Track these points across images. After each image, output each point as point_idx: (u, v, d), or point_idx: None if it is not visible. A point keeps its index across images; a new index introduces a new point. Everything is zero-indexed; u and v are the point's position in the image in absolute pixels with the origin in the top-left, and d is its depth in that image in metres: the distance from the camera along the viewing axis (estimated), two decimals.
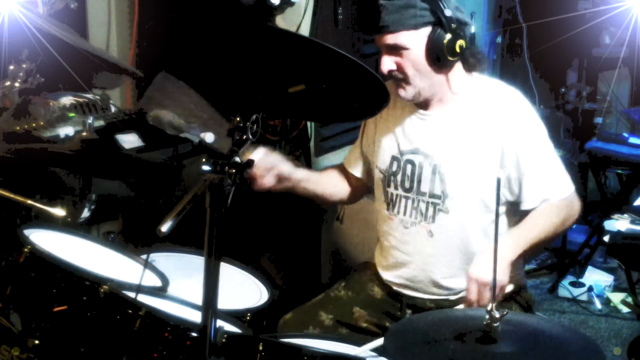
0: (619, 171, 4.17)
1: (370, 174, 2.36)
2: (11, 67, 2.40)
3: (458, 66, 2.14)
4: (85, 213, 2.33)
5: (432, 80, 2.11)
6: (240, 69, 1.59)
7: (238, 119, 1.50)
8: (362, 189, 2.45)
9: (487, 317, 1.44)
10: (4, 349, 1.69)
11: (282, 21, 3.10)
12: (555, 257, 4.23)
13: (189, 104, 2.36)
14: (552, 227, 2.11)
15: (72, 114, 2.53)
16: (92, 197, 2.35)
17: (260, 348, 1.56)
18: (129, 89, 3.17)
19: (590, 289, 3.87)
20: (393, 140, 2.24)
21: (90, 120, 2.50)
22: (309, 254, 3.30)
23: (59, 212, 1.98)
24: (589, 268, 4.03)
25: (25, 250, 1.78)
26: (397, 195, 2.22)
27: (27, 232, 1.89)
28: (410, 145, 2.20)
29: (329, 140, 3.33)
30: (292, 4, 3.06)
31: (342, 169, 2.46)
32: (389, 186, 2.24)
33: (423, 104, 2.19)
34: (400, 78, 2.11)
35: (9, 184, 2.05)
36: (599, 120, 4.64)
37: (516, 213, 2.18)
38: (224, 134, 1.52)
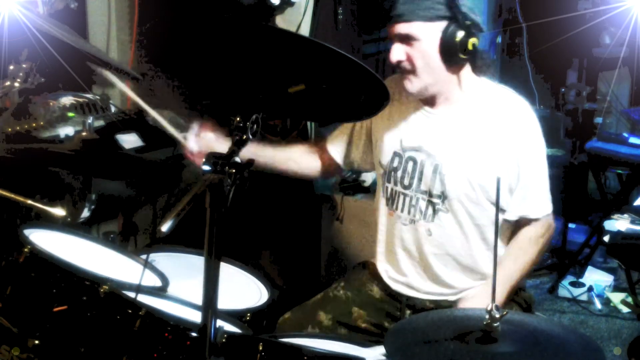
0: (619, 171, 4.16)
1: (350, 158, 2.36)
2: (11, 67, 2.40)
3: (467, 67, 2.14)
4: (85, 213, 2.33)
5: (439, 76, 2.10)
6: (240, 69, 1.59)
7: (238, 119, 1.50)
8: (334, 170, 2.44)
9: (487, 317, 1.44)
10: (4, 349, 1.69)
11: (282, 21, 3.10)
12: (555, 257, 4.23)
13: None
14: (532, 261, 2.20)
15: (72, 114, 2.53)
16: (92, 197, 2.35)
17: (260, 348, 1.56)
18: (129, 89, 3.16)
19: (590, 289, 3.87)
20: (396, 135, 2.23)
21: (90, 120, 2.50)
22: (309, 253, 3.30)
23: (59, 212, 1.98)
24: (589, 268, 4.03)
25: (25, 250, 1.78)
26: (396, 191, 2.22)
27: (27, 232, 1.89)
28: (414, 142, 2.20)
29: None
30: (292, 4, 3.06)
31: (314, 147, 2.44)
32: (389, 182, 2.24)
33: (429, 101, 2.18)
34: (408, 69, 2.09)
35: (9, 184, 2.05)
36: (599, 120, 4.64)
37: (509, 223, 2.20)
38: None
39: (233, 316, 1.83)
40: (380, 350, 1.79)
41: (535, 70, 4.91)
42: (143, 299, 1.72)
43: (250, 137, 1.50)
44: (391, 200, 2.24)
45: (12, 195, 1.98)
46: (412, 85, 2.11)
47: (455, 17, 2.03)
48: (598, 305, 3.79)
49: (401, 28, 2.06)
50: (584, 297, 3.86)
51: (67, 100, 2.58)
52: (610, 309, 3.78)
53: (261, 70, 1.56)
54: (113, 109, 2.70)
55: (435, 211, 2.16)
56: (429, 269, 2.21)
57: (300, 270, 3.28)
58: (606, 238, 3.38)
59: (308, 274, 3.31)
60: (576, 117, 4.49)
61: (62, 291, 1.72)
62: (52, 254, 1.81)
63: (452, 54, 2.05)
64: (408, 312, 2.25)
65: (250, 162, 1.47)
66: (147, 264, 1.91)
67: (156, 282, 1.94)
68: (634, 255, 3.22)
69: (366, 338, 2.19)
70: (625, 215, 3.19)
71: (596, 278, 3.96)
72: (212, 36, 1.60)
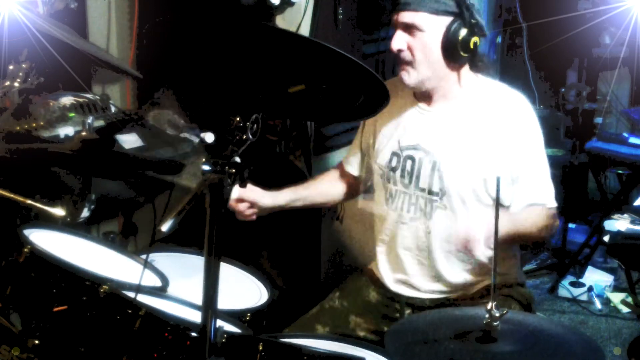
0: (619, 171, 4.17)
1: (369, 170, 2.37)
2: (11, 67, 2.40)
3: (466, 65, 2.15)
4: (85, 213, 2.33)
5: (437, 70, 2.10)
6: (240, 69, 1.59)
7: (238, 119, 1.50)
8: (358, 187, 2.47)
9: (487, 316, 1.44)
10: (4, 349, 1.69)
11: (282, 21, 3.10)
12: (555, 257, 4.23)
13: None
14: (529, 228, 2.10)
15: (72, 114, 2.53)
16: (92, 197, 2.35)
17: (260, 348, 1.56)
18: (129, 89, 3.16)
19: (590, 289, 3.87)
20: (394, 135, 2.24)
21: (90, 120, 2.50)
22: (309, 253, 3.30)
23: (59, 212, 1.98)
24: (589, 268, 4.04)
25: (25, 250, 1.78)
26: (396, 190, 2.22)
27: (27, 232, 1.89)
28: (411, 141, 2.20)
29: (329, 140, 3.32)
30: (292, 4, 3.06)
31: (336, 172, 2.48)
32: (388, 182, 2.24)
33: (426, 98, 2.18)
34: (407, 60, 2.10)
35: (9, 184, 2.05)
36: (599, 120, 4.64)
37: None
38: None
39: (233, 316, 1.83)
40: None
41: (535, 70, 4.91)
42: (143, 299, 1.72)
43: (251, 137, 1.50)
44: (391, 199, 2.24)
45: (12, 195, 1.97)
46: (410, 77, 2.11)
47: (462, 14, 2.04)
48: (598, 305, 3.79)
49: (406, 16, 2.07)
50: (584, 297, 3.87)
51: (67, 100, 2.57)
52: (610, 309, 3.78)
53: (261, 70, 1.56)
54: (113, 109, 2.69)
55: (433, 208, 2.16)
56: (430, 267, 2.21)
57: (301, 270, 3.28)
58: (606, 238, 3.37)
59: (308, 274, 3.30)
60: (576, 117, 4.49)
61: (62, 291, 1.72)
62: (52, 254, 1.81)
63: (453, 51, 2.06)
64: (407, 311, 2.24)
65: (250, 162, 1.47)
66: (147, 264, 1.91)
67: (156, 282, 1.94)
68: (634, 255, 3.21)
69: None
70: (625, 215, 3.19)
71: (596, 278, 3.96)
72: (212, 36, 1.60)
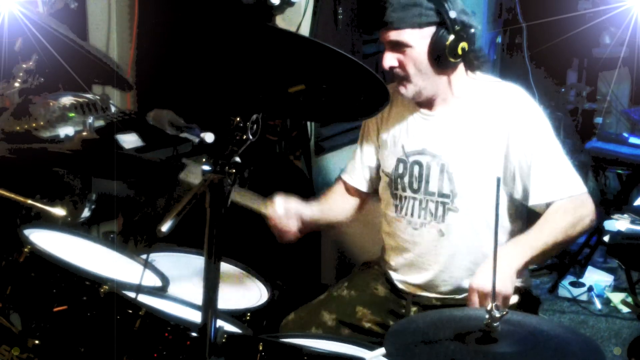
0: (619, 171, 4.17)
1: (374, 183, 2.36)
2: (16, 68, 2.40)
3: (460, 68, 2.14)
4: (85, 213, 2.33)
5: (433, 80, 2.11)
6: (240, 69, 1.59)
7: (238, 119, 1.50)
8: (367, 200, 2.43)
9: (487, 317, 1.44)
10: (4, 349, 1.69)
11: (282, 21, 3.10)
12: (555, 257, 4.23)
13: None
14: (561, 231, 2.05)
15: (72, 114, 2.53)
16: (92, 197, 2.35)
17: (260, 348, 1.56)
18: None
19: (590, 289, 3.87)
20: (397, 142, 2.23)
21: (90, 120, 2.50)
22: (309, 254, 3.30)
23: (59, 212, 1.98)
24: (589, 268, 4.04)
25: (25, 250, 1.78)
26: (405, 197, 2.21)
27: (27, 232, 1.89)
28: (416, 146, 2.19)
29: (329, 140, 3.33)
30: (292, 4, 3.06)
31: (343, 189, 2.43)
32: (396, 189, 2.23)
33: (426, 104, 2.18)
34: (401, 76, 2.11)
35: (9, 184, 2.05)
36: (599, 120, 4.64)
37: (521, 215, 2.18)
38: None
39: (233, 316, 1.83)
40: (381, 351, 1.79)
41: (535, 70, 4.91)
42: (143, 299, 1.72)
43: (251, 137, 1.50)
44: (400, 206, 2.23)
45: (12, 195, 1.98)
46: (407, 90, 2.12)
47: (445, 22, 2.04)
48: (598, 305, 3.79)
49: (392, 35, 2.07)
50: (584, 297, 3.87)
51: (67, 100, 2.57)
52: (610, 309, 3.78)
53: (261, 70, 1.56)
54: (113, 109, 2.70)
55: (445, 211, 2.16)
56: (442, 271, 2.20)
57: (301, 270, 3.28)
58: (606, 238, 3.38)
59: (308, 273, 3.30)
60: (576, 117, 4.49)
61: (62, 291, 1.72)
62: (52, 254, 1.81)
63: (442, 59, 2.06)
64: (414, 309, 2.24)
65: (250, 162, 1.47)
66: (147, 264, 1.91)
67: (156, 282, 1.94)
68: (634, 255, 3.22)
69: (369, 338, 2.19)
70: (625, 215, 3.19)
71: (596, 278, 3.96)
72: (212, 36, 1.60)
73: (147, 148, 2.57)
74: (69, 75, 2.36)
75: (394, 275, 2.29)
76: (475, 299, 1.95)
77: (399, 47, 2.08)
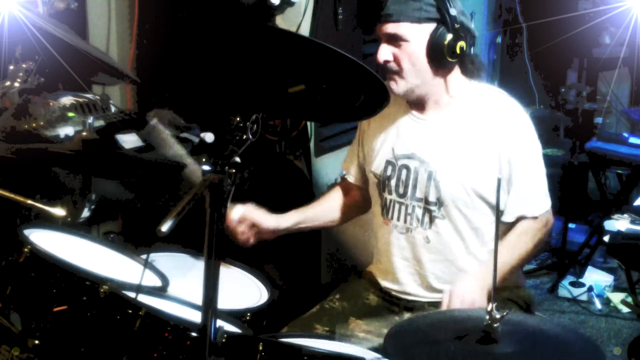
0: (619, 171, 4.17)
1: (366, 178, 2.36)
2: (11, 67, 2.40)
3: (456, 70, 2.13)
4: (85, 213, 2.33)
5: (426, 78, 2.09)
6: (240, 69, 1.59)
7: (238, 119, 1.50)
8: (366, 195, 2.42)
9: (487, 317, 1.44)
10: (4, 349, 1.69)
11: (282, 21, 3.10)
12: (555, 257, 4.24)
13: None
14: (527, 252, 2.14)
15: (72, 114, 2.52)
16: (92, 197, 2.35)
17: (260, 348, 1.56)
18: (129, 89, 3.16)
19: (590, 289, 3.87)
20: (388, 143, 2.22)
21: (90, 120, 2.50)
22: (309, 254, 3.29)
23: (59, 212, 1.98)
24: (589, 268, 4.04)
25: (25, 250, 1.78)
26: (391, 200, 2.21)
27: (27, 232, 1.89)
28: (406, 150, 2.19)
29: (329, 140, 3.33)
30: (292, 4, 3.06)
31: (343, 188, 2.42)
32: (383, 191, 2.23)
33: (419, 106, 2.17)
34: (394, 70, 2.09)
35: (9, 184, 2.05)
36: (599, 120, 4.64)
37: (505, 223, 2.18)
38: None
39: (233, 316, 1.83)
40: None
41: (535, 70, 4.91)
42: (143, 299, 1.72)
43: (251, 137, 1.49)
44: (386, 209, 2.22)
45: (12, 195, 1.97)
46: (398, 86, 2.10)
47: (445, 19, 2.03)
48: (598, 305, 3.80)
49: (389, 28, 2.06)
50: (584, 297, 3.87)
51: (67, 100, 2.57)
52: (610, 309, 3.78)
53: (261, 70, 1.56)
54: (113, 109, 2.69)
55: (432, 218, 2.15)
56: (427, 277, 2.20)
57: (301, 270, 3.28)
58: (606, 238, 3.37)
59: (308, 274, 3.30)
60: (576, 117, 4.49)
61: (62, 291, 1.72)
62: (52, 254, 1.81)
63: (440, 57, 2.05)
64: (407, 315, 2.24)
65: (250, 162, 1.47)
66: (147, 264, 1.91)
67: (156, 282, 1.94)
68: (634, 255, 3.21)
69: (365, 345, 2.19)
70: (625, 215, 3.18)
71: (596, 278, 3.96)
72: (212, 36, 1.60)
73: (147, 148, 2.56)
74: (69, 75, 2.36)
75: (383, 282, 2.29)
76: (449, 304, 1.99)
77: (395, 40, 2.07)
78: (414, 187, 2.16)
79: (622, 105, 4.92)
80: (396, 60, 2.08)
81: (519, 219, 2.14)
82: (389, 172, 2.21)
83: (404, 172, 2.17)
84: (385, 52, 2.08)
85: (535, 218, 2.14)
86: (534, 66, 4.90)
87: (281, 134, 3.13)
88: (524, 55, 4.92)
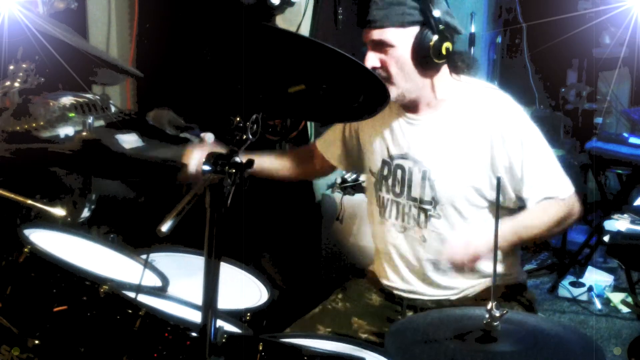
0: (619, 171, 4.17)
1: (345, 162, 2.40)
2: (11, 67, 2.40)
3: (444, 70, 2.12)
4: (85, 213, 2.33)
5: (416, 82, 2.09)
6: (240, 69, 1.59)
7: (238, 119, 1.50)
8: (328, 169, 2.49)
9: (487, 316, 1.44)
10: (4, 349, 1.69)
11: (282, 21, 3.10)
12: (555, 257, 4.23)
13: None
14: (547, 228, 2.10)
15: (72, 114, 2.53)
16: (92, 197, 2.35)
17: (260, 348, 1.56)
18: (129, 89, 3.17)
19: (590, 289, 3.87)
20: (383, 143, 2.23)
21: (90, 120, 2.50)
22: (309, 253, 3.30)
23: (59, 212, 1.98)
24: (589, 268, 4.03)
25: (25, 250, 1.78)
26: (388, 199, 2.21)
27: (27, 232, 1.89)
28: (400, 150, 2.19)
29: None
30: (292, 4, 3.06)
31: (309, 152, 2.47)
32: (380, 190, 2.23)
33: (411, 108, 2.17)
34: (383, 77, 2.07)
35: (9, 184, 2.05)
36: (599, 120, 4.65)
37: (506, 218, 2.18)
38: None
39: (233, 316, 1.83)
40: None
41: (535, 70, 4.91)
42: (143, 299, 1.72)
43: (251, 137, 1.50)
44: (383, 208, 2.23)
45: (12, 195, 1.97)
46: (390, 92, 2.10)
47: (429, 22, 2.02)
48: (598, 305, 3.79)
49: (375, 34, 2.06)
50: (584, 297, 3.87)
51: (67, 100, 2.57)
52: (610, 309, 3.78)
53: (261, 70, 1.56)
54: (113, 109, 2.70)
55: (427, 217, 2.15)
56: (426, 275, 2.20)
57: (301, 270, 3.28)
58: (606, 238, 3.37)
59: (308, 273, 3.31)
60: (576, 117, 4.50)
61: (62, 291, 1.71)
62: (52, 254, 1.81)
63: (426, 59, 2.04)
64: (409, 313, 2.24)
65: (250, 162, 1.47)
66: (147, 264, 1.91)
67: (156, 282, 1.94)
68: (634, 255, 3.22)
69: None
70: (625, 215, 3.19)
71: (596, 278, 3.96)
72: (212, 36, 1.60)
73: (147, 148, 2.56)
74: (69, 75, 2.36)
75: (385, 281, 2.29)
76: (454, 252, 2.01)
77: (381, 46, 2.06)
78: (409, 186, 2.16)
79: (622, 105, 4.92)
80: (384, 66, 2.07)
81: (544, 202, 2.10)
82: (385, 172, 2.21)
83: (399, 172, 2.18)
84: (372, 59, 2.07)
85: (559, 199, 2.10)
86: (534, 66, 4.90)
87: (281, 134, 3.14)
88: (524, 55, 4.92)
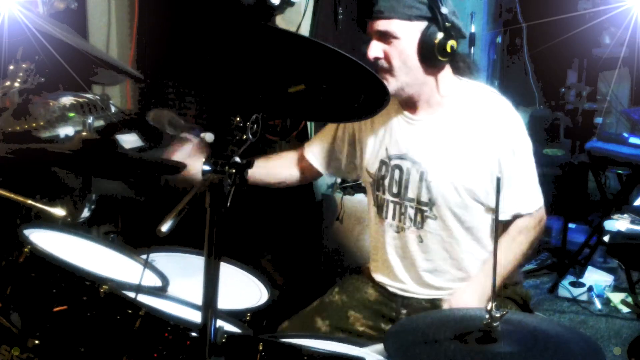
0: (619, 171, 4.17)
1: (334, 168, 2.38)
2: (11, 67, 2.40)
3: (447, 69, 2.13)
4: (85, 213, 2.32)
5: (417, 77, 2.09)
6: (240, 69, 1.59)
7: (238, 119, 1.50)
8: (314, 176, 2.47)
9: (487, 316, 1.44)
10: (4, 349, 1.69)
11: (282, 21, 3.10)
12: (555, 257, 4.23)
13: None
14: (523, 252, 2.16)
15: (72, 114, 2.53)
16: (92, 197, 2.35)
17: (260, 348, 1.56)
18: (129, 89, 3.17)
19: (590, 289, 3.87)
20: (381, 143, 2.23)
21: (90, 120, 2.50)
22: (309, 253, 3.30)
23: (59, 212, 1.98)
24: (589, 268, 4.03)
25: (25, 250, 1.78)
26: (385, 199, 2.22)
27: (27, 232, 1.89)
28: (398, 150, 2.19)
29: None
30: (292, 4, 3.06)
31: (294, 157, 2.43)
32: (378, 190, 2.23)
33: (410, 106, 2.17)
34: (385, 68, 2.08)
35: (9, 184, 2.05)
36: (599, 120, 4.64)
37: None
38: None
39: (233, 316, 1.83)
40: (376, 347, 1.79)
41: (535, 70, 4.91)
42: (143, 299, 1.72)
43: (250, 137, 1.49)
44: (381, 208, 2.23)
45: (12, 195, 1.97)
46: (389, 85, 2.08)
47: (436, 18, 2.02)
48: (598, 305, 3.79)
49: (380, 25, 2.06)
50: (584, 297, 3.86)
51: (67, 100, 2.57)
52: (610, 309, 3.78)
53: (261, 70, 1.56)
54: (113, 109, 2.70)
55: (424, 218, 2.16)
56: (422, 275, 2.21)
57: (301, 270, 3.28)
58: (606, 238, 3.38)
59: (308, 273, 3.31)
60: (576, 117, 4.49)
61: (62, 291, 1.72)
62: (52, 254, 1.81)
63: (430, 55, 2.04)
64: (404, 311, 2.24)
65: (250, 162, 1.47)
66: (147, 264, 1.91)
67: (156, 282, 1.94)
68: (634, 255, 3.22)
69: (365, 341, 2.19)
70: (625, 215, 3.19)
71: (596, 278, 3.96)
72: (213, 36, 1.60)
73: (147, 148, 2.57)
74: (69, 75, 2.36)
75: (380, 278, 2.29)
76: None
77: (386, 37, 2.06)
78: (406, 187, 2.17)
79: (622, 105, 4.92)
80: (387, 57, 2.07)
81: (515, 217, 2.15)
82: (383, 172, 2.21)
83: (397, 172, 2.18)
84: (375, 49, 2.07)
85: (530, 215, 2.15)
86: (534, 66, 4.90)
87: (281, 134, 3.14)
88: (524, 55, 4.92)
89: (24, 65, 2.39)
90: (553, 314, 3.75)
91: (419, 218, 2.16)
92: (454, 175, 2.11)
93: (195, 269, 2.10)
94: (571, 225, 4.26)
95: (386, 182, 2.20)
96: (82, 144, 2.39)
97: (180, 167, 2.07)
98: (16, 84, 2.41)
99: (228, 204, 1.43)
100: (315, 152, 2.39)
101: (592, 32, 4.40)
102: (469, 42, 4.09)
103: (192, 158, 2.11)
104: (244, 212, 2.32)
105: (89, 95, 2.65)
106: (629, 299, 3.76)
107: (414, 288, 2.23)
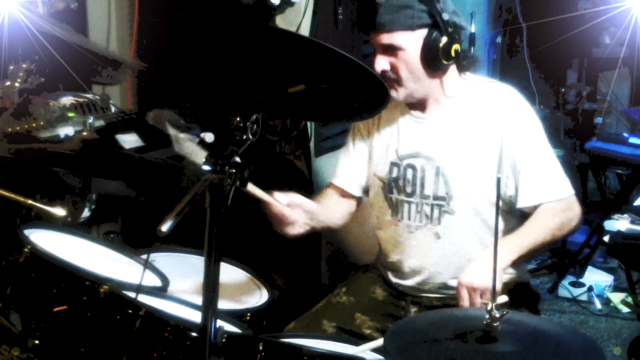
0: (619, 171, 4.17)
1: (365, 186, 2.33)
2: (11, 67, 2.40)
3: (452, 69, 2.13)
4: (85, 213, 2.33)
5: (424, 83, 2.10)
6: (240, 69, 1.59)
7: (238, 119, 1.50)
8: (359, 203, 2.39)
9: (487, 316, 1.44)
10: (4, 349, 1.69)
11: (282, 21, 3.10)
12: (555, 257, 4.23)
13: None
14: (549, 232, 2.09)
15: (72, 114, 2.53)
16: (92, 197, 2.35)
17: (260, 348, 1.56)
18: (129, 88, 3.17)
19: (590, 289, 3.87)
20: (390, 146, 2.22)
21: (90, 120, 2.50)
22: (310, 253, 3.30)
23: (59, 212, 1.98)
24: (589, 268, 4.04)
25: (25, 250, 1.78)
26: (400, 200, 2.21)
27: (27, 232, 1.89)
28: (410, 150, 2.19)
29: (329, 140, 3.33)
30: (292, 4, 3.06)
31: (336, 194, 2.36)
32: (391, 192, 2.22)
33: (419, 107, 2.18)
34: (393, 79, 2.09)
35: (9, 184, 2.05)
36: (599, 120, 4.64)
37: (515, 214, 2.18)
38: None
39: (233, 316, 1.83)
40: (368, 345, 1.78)
41: (535, 70, 4.91)
42: (143, 299, 1.72)
43: (251, 137, 1.50)
44: (395, 210, 2.22)
45: (12, 195, 1.97)
46: (398, 94, 2.10)
47: (437, 24, 2.03)
48: (598, 305, 3.80)
49: (384, 38, 2.06)
50: (584, 297, 3.87)
51: (67, 100, 2.57)
52: (610, 309, 3.78)
53: (261, 70, 1.56)
54: (113, 109, 2.70)
55: (441, 213, 2.15)
56: (438, 272, 2.20)
57: (301, 270, 3.28)
58: (606, 238, 3.37)
59: (308, 273, 3.30)
60: (576, 117, 4.49)
61: (62, 291, 1.72)
62: (52, 254, 1.81)
63: (436, 61, 2.05)
64: (414, 309, 2.24)
65: (249, 164, 1.47)
66: (147, 264, 1.91)
67: (156, 282, 1.94)
68: (634, 255, 3.21)
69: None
70: (625, 215, 3.19)
71: (596, 278, 3.96)
72: (212, 36, 1.60)
73: (147, 148, 2.56)
74: (69, 75, 2.36)
75: (391, 277, 2.29)
76: (464, 294, 1.98)
77: (391, 50, 2.06)
78: (422, 184, 2.16)
79: (622, 105, 4.92)
80: (394, 69, 2.08)
81: (536, 206, 2.11)
82: (394, 174, 2.20)
83: (410, 171, 2.18)
84: (382, 63, 2.08)
85: (557, 201, 2.11)
86: (534, 66, 4.90)
87: (281, 134, 3.13)
88: (524, 55, 4.92)
89: (24, 65, 2.40)
90: (553, 314, 3.75)
91: (435, 214, 2.16)
92: (470, 167, 2.11)
93: (195, 269, 2.10)
94: None
95: (400, 182, 2.20)
96: (82, 144, 2.39)
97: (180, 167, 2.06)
98: (16, 84, 2.41)
99: (228, 204, 1.43)
100: (351, 183, 2.33)
101: (592, 32, 4.40)
102: (469, 42, 4.09)
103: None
104: (244, 212, 2.32)
105: (89, 95, 2.65)
106: (629, 299, 3.76)
107: (429, 287, 2.22)
